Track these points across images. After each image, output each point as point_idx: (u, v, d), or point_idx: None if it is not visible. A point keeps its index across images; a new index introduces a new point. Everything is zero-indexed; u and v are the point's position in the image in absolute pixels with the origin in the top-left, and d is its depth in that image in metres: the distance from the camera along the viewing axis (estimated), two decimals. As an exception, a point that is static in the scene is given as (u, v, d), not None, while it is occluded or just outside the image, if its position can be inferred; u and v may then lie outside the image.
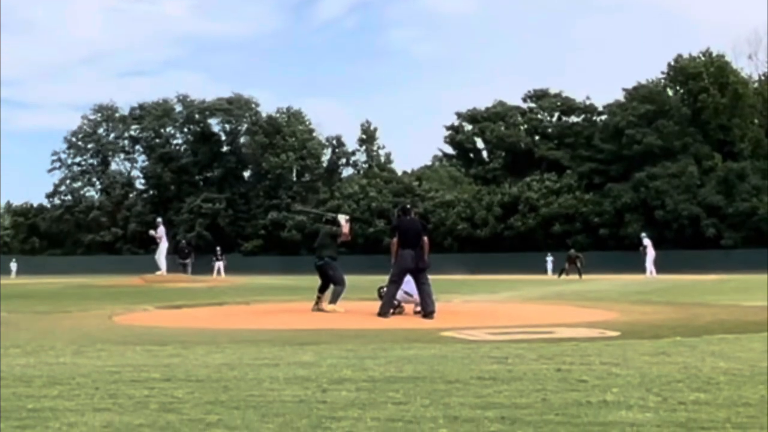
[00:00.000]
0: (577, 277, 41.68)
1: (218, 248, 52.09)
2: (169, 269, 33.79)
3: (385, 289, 13.93)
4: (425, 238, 13.82)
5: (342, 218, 15.55)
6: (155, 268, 32.47)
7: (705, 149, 63.43)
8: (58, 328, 11.95)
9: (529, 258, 59.45)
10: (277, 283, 33.77)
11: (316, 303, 15.03)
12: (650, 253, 39.97)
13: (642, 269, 39.55)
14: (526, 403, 5.36)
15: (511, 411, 5.11)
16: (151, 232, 32.65)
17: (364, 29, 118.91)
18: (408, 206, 14.85)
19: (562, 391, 5.79)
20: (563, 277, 42.24)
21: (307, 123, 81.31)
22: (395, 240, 13.88)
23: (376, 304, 13.84)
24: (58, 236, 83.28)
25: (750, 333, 10.05)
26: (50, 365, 7.51)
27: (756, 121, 66.66)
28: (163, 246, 32.48)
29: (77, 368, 7.29)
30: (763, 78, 68.54)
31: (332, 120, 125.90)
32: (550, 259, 56.59)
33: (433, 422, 4.82)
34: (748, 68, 68.60)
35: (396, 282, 13.73)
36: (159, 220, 34.21)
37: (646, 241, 40.62)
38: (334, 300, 14.72)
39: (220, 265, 47.95)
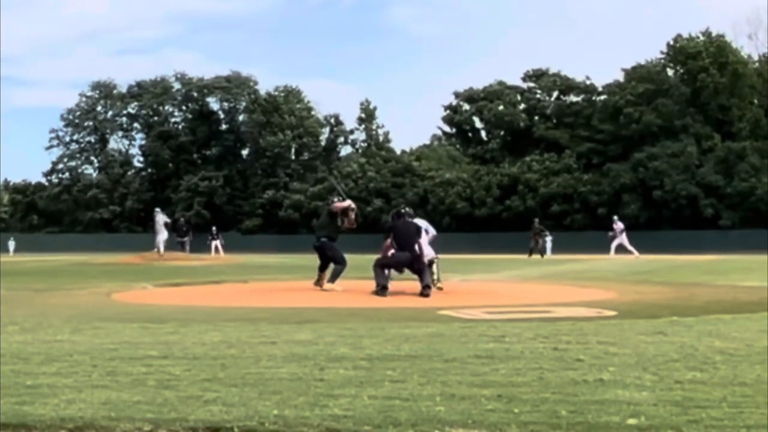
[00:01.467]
0: (538, 257, 41.31)
1: (214, 227, 52.24)
2: (167, 248, 34.18)
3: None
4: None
5: (346, 203, 15.64)
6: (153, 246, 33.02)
7: (704, 129, 63.37)
8: (56, 305, 11.97)
9: (527, 237, 59.45)
10: (275, 261, 33.84)
11: (318, 280, 15.14)
12: (619, 237, 40.24)
13: (609, 249, 39.82)
14: (523, 382, 5.38)
15: (508, 389, 5.13)
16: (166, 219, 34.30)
17: (364, 7, 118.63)
18: (402, 210, 14.94)
19: (558, 370, 5.81)
20: (533, 257, 41.72)
21: (306, 101, 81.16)
22: (389, 241, 14.13)
23: (373, 283, 13.88)
24: (57, 214, 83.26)
25: (747, 313, 10.08)
26: (48, 342, 7.53)
27: (755, 101, 66.52)
28: (159, 232, 33.61)
29: (75, 345, 7.31)
30: (763, 58, 68.36)
31: (331, 98, 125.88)
32: (549, 239, 56.51)
33: (431, 400, 4.83)
34: (747, 48, 68.46)
35: (385, 264, 13.82)
36: (158, 209, 35.19)
37: (619, 224, 40.85)
38: (333, 279, 14.79)
39: (216, 243, 48.03)
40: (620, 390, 5.09)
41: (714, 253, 40.40)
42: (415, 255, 13.72)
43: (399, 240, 13.94)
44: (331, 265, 15.15)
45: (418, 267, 13.74)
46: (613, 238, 40.44)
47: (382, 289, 13.41)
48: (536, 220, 49.56)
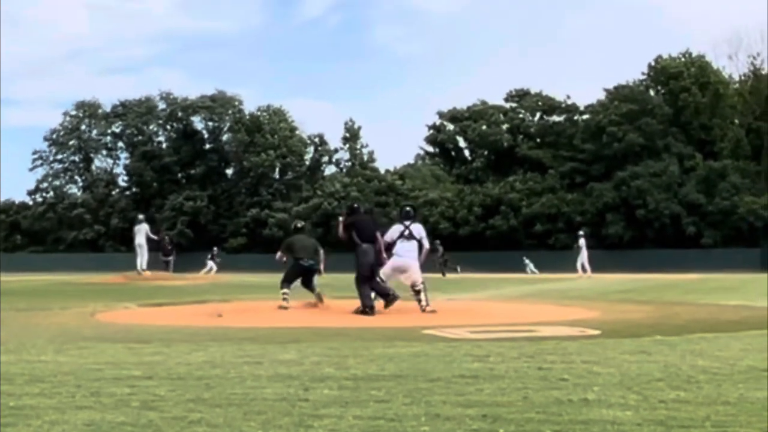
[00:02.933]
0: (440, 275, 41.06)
1: (215, 248, 53.02)
2: (151, 266, 33.98)
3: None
4: (426, 248, 14.53)
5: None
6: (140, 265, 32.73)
7: (686, 149, 63.75)
8: (40, 325, 11.91)
9: (510, 257, 59.59)
10: (259, 281, 33.72)
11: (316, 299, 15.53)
12: (584, 252, 40.50)
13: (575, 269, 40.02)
14: (508, 402, 5.40)
15: (492, 409, 5.14)
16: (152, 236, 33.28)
17: (348, 27, 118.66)
18: (356, 205, 15.57)
19: (543, 390, 5.82)
20: (449, 276, 41.71)
21: (290, 121, 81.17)
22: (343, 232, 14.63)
23: (357, 303, 13.89)
24: (40, 233, 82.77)
25: (729, 332, 10.14)
26: (32, 363, 7.49)
27: (736, 121, 67.02)
28: (139, 244, 32.75)
29: (59, 366, 7.28)
30: (743, 78, 68.92)
31: (316, 118, 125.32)
32: (528, 261, 57.02)
33: (416, 420, 4.84)
34: (728, 68, 68.85)
35: (368, 278, 13.86)
36: (141, 216, 34.65)
37: (582, 242, 41.09)
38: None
39: (212, 264, 48.48)
40: (604, 409, 5.11)
41: (696, 272, 40.59)
42: (377, 249, 13.90)
43: (362, 233, 14.16)
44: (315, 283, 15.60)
45: (380, 263, 13.90)
46: (577, 254, 40.85)
47: (370, 309, 13.43)
48: (437, 242, 48.43)
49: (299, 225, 17.52)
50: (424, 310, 14.05)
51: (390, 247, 14.60)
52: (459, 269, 46.41)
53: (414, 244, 14.57)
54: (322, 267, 15.98)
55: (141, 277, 31.29)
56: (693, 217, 60.87)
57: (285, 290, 15.45)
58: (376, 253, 14.04)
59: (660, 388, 5.88)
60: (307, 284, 15.66)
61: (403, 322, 12.09)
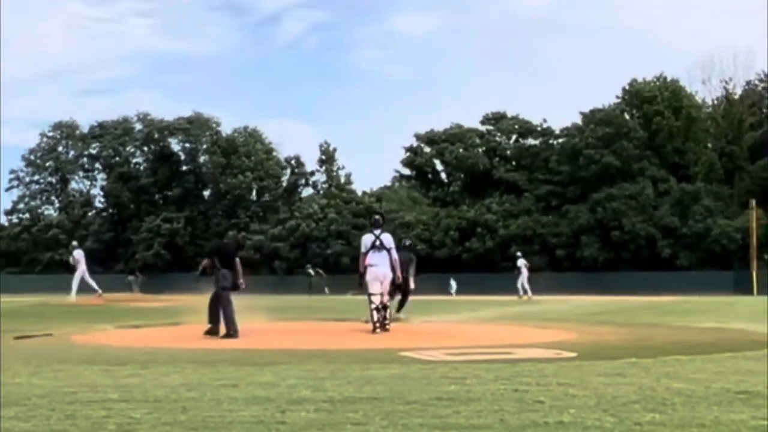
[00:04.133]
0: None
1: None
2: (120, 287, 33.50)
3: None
4: (237, 260, 14.71)
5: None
6: (118, 287, 32.23)
7: (660, 172, 64.24)
8: (15, 347, 11.81)
9: (487, 279, 59.70)
10: (235, 302, 33.53)
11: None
12: (524, 274, 41.00)
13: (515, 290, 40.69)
14: (484, 424, 5.41)
15: None
16: (70, 259, 31.90)
17: (326, 50, 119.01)
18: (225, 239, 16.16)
19: (519, 412, 5.84)
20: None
21: (267, 142, 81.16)
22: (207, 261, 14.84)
23: (336, 325, 13.90)
24: (16, 254, 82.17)
25: (704, 354, 10.20)
26: (6, 385, 7.43)
27: (709, 144, 67.68)
28: (80, 271, 31.54)
29: (33, 389, 7.22)
30: (716, 102, 69.63)
31: (294, 139, 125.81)
32: (453, 282, 58.00)
33: (392, 443, 4.85)
34: (701, 93, 69.54)
35: (227, 299, 14.13)
36: (75, 243, 33.86)
37: (521, 262, 41.64)
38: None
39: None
40: (580, 432, 5.14)
41: (671, 294, 40.79)
42: (232, 274, 14.26)
43: (220, 258, 14.51)
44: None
45: (238, 286, 14.08)
46: (517, 276, 41.35)
47: (234, 332, 13.81)
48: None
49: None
50: (387, 328, 14.44)
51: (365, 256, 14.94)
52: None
53: (385, 254, 14.89)
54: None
55: (118, 299, 31.10)
56: (668, 239, 61.29)
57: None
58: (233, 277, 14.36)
59: (635, 411, 5.91)
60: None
61: (380, 344, 12.09)
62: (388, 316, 14.72)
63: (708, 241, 60.34)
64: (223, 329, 13.81)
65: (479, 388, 7.06)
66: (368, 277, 14.77)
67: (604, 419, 5.56)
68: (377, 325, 14.40)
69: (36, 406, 6.23)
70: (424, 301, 32.26)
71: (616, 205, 62.02)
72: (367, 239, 15.06)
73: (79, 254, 31.71)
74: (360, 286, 15.48)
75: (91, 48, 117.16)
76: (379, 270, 14.75)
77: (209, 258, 15.00)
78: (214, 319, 13.98)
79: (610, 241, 62.58)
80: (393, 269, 14.93)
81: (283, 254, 71.77)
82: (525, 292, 39.87)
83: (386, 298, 14.79)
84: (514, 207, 67.20)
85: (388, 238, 15.17)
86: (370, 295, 14.71)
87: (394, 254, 15.11)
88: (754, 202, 55.81)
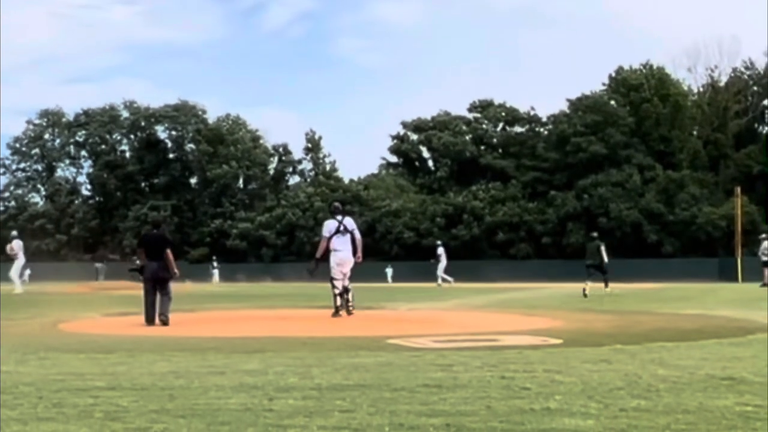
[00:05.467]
0: None
1: (214, 257, 54.29)
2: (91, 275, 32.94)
3: None
4: (168, 251, 14.21)
5: None
6: (108, 275, 31.86)
7: (646, 159, 64.43)
8: (2, 335, 11.78)
9: (473, 266, 59.84)
10: (223, 290, 33.57)
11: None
12: (443, 262, 41.50)
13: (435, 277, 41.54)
14: (471, 411, 5.43)
15: (456, 418, 5.17)
16: (8, 247, 30.69)
17: (311, 38, 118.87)
18: (158, 221, 16.57)
19: (506, 399, 5.86)
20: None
21: (255, 130, 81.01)
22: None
23: (322, 312, 13.91)
24: (1, 243, 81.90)
25: (688, 341, 10.25)
26: (-8, 374, 7.41)
27: (695, 132, 67.92)
28: (19, 263, 30.54)
29: (20, 377, 7.21)
30: (701, 90, 69.83)
31: (280, 127, 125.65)
32: (389, 270, 58.45)
33: (380, 430, 4.86)
34: (687, 80, 69.78)
35: (146, 290, 13.89)
36: (14, 233, 32.90)
37: (440, 250, 42.38)
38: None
39: (216, 272, 50.53)
40: (566, 418, 5.16)
41: (656, 281, 40.95)
42: (161, 265, 13.92)
43: (148, 249, 14.18)
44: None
45: (165, 276, 13.91)
46: (436, 264, 41.81)
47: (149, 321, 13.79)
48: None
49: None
50: (350, 312, 15.09)
51: (329, 241, 15.39)
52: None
53: (348, 237, 15.39)
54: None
55: (104, 286, 30.94)
56: (654, 225, 61.53)
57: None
58: (161, 268, 13.98)
59: (621, 397, 5.94)
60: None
61: (368, 332, 12.11)
62: (351, 299, 15.29)
63: (693, 228, 60.63)
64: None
65: (466, 375, 7.09)
66: (332, 261, 15.28)
67: (590, 405, 5.58)
68: (340, 308, 14.93)
69: (23, 394, 6.21)
70: (362, 288, 32.29)
71: (603, 192, 62.17)
72: (330, 224, 15.56)
73: (18, 245, 30.52)
74: (310, 273, 16.17)
75: (76, 36, 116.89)
76: (343, 255, 15.31)
77: (139, 248, 14.82)
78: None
79: (596, 228, 62.63)
80: (355, 251, 15.45)
81: (269, 242, 71.74)
82: (445, 279, 40.16)
83: (347, 282, 15.29)
84: (500, 193, 67.26)
85: (350, 221, 15.74)
86: (332, 279, 15.21)
87: (357, 234, 15.62)
88: (738, 190, 56.07)
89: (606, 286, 26.80)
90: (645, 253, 60.45)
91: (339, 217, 15.57)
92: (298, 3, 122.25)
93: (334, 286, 15.18)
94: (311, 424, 5.01)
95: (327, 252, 15.42)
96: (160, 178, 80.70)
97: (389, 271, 58.51)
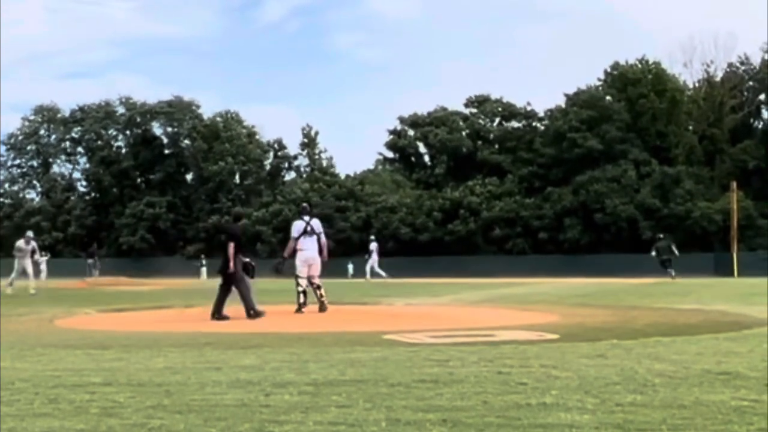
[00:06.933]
0: None
1: (202, 255, 54.59)
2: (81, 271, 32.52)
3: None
4: (322, 239, 15.86)
5: None
6: (104, 271, 31.68)
7: (642, 154, 64.39)
8: (-4, 332, 11.77)
9: (470, 261, 59.86)
10: (214, 286, 33.46)
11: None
12: (374, 257, 41.66)
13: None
14: (467, 406, 5.44)
15: (452, 413, 5.18)
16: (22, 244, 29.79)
17: (307, 33, 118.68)
18: (240, 214, 17.27)
19: (502, 394, 5.87)
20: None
21: (251, 126, 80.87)
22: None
23: (311, 306, 13.91)
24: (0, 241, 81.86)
25: (684, 336, 10.27)
26: (-11, 370, 7.41)
27: (690, 127, 67.91)
28: (23, 262, 29.33)
29: (17, 373, 7.21)
30: (697, 85, 69.82)
31: (276, 123, 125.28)
32: (351, 266, 57.85)
33: (376, 425, 4.87)
34: (683, 76, 69.73)
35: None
36: (29, 233, 32.18)
37: (373, 246, 42.44)
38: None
39: (203, 269, 51.09)
40: (563, 413, 5.17)
41: (652, 276, 40.99)
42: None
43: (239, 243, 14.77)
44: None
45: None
46: (368, 259, 41.95)
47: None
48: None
49: None
50: (324, 308, 15.40)
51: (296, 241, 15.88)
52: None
53: (314, 238, 15.91)
54: None
55: (100, 282, 30.89)
56: (649, 221, 61.50)
57: None
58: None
59: (617, 392, 5.96)
60: None
61: (364, 327, 12.12)
62: (323, 294, 15.65)
63: (689, 223, 60.63)
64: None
65: (462, 370, 7.10)
66: (297, 260, 15.77)
67: (586, 400, 5.59)
68: (302, 305, 15.28)
69: (19, 390, 6.22)
70: (409, 284, 32.31)
71: (599, 188, 62.16)
72: (298, 225, 16.08)
73: (21, 243, 30.06)
74: (277, 271, 16.53)
75: (72, 31, 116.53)
76: (309, 254, 15.82)
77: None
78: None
79: (592, 224, 62.77)
80: (321, 251, 15.95)
81: (266, 238, 71.64)
82: (373, 275, 40.29)
83: (318, 279, 15.72)
84: (496, 188, 67.24)
85: (317, 223, 16.21)
86: (297, 277, 15.72)
87: (323, 238, 16.16)
88: (734, 185, 56.05)
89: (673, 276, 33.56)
90: (641, 249, 60.42)
91: (306, 218, 16.08)
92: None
93: (298, 284, 15.66)
94: (307, 420, 5.02)
95: (294, 251, 15.90)
96: (155, 174, 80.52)
97: (350, 267, 57.36)
